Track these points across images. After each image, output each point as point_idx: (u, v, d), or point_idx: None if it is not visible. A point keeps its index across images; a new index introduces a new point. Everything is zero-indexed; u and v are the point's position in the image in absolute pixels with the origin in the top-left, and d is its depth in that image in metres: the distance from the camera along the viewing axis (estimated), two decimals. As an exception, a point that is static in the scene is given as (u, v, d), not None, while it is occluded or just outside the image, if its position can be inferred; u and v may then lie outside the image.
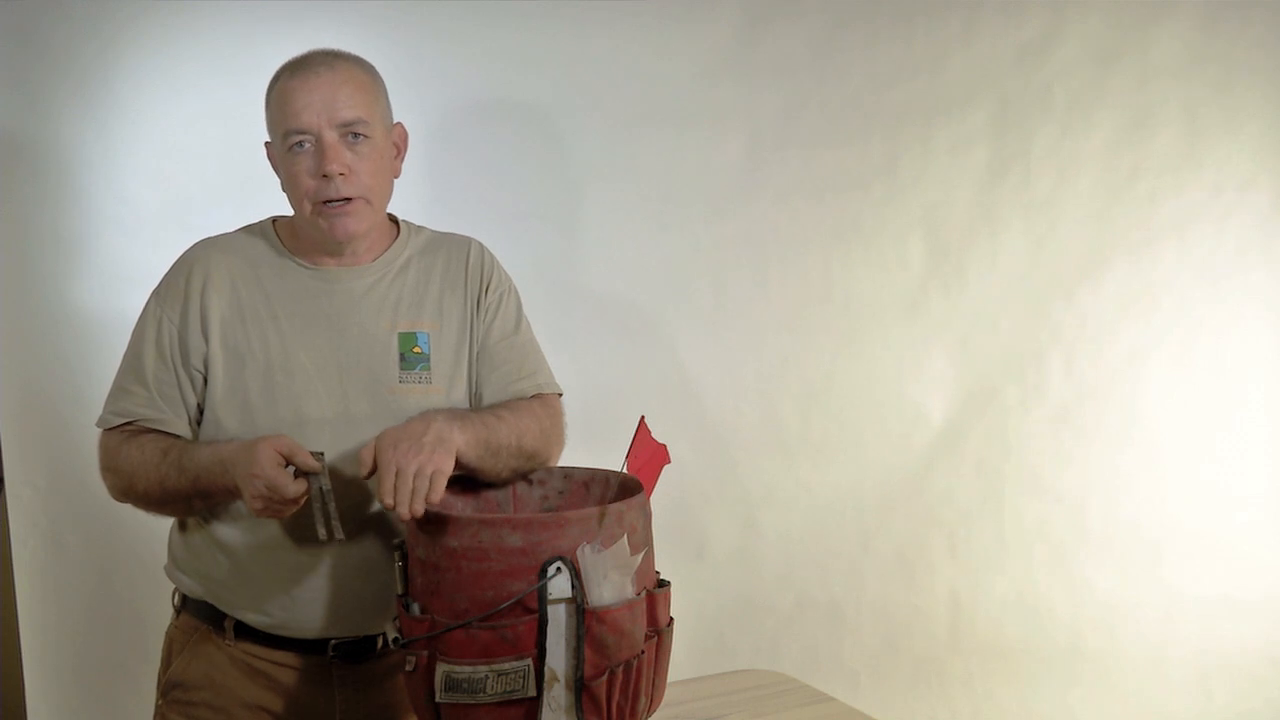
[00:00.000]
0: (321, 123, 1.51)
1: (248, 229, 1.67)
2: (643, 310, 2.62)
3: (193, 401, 1.58)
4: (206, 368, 1.57)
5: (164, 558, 1.70)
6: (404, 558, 1.46)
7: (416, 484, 1.37)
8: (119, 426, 1.58)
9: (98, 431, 1.61)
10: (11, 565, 2.24)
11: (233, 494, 1.48)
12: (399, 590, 1.46)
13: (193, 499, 1.53)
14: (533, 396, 1.66)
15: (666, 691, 1.51)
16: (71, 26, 2.18)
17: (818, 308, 2.75)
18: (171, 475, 1.51)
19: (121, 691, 2.28)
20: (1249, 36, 2.91)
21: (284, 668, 1.61)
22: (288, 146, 1.53)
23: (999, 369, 2.87)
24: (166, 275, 1.62)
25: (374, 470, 1.41)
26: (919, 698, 2.86)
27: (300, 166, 1.53)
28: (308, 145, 1.52)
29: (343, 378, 1.57)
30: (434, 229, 1.74)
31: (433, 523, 1.38)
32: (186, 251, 1.64)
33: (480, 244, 1.73)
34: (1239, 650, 2.98)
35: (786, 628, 2.78)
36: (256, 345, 1.56)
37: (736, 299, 2.69)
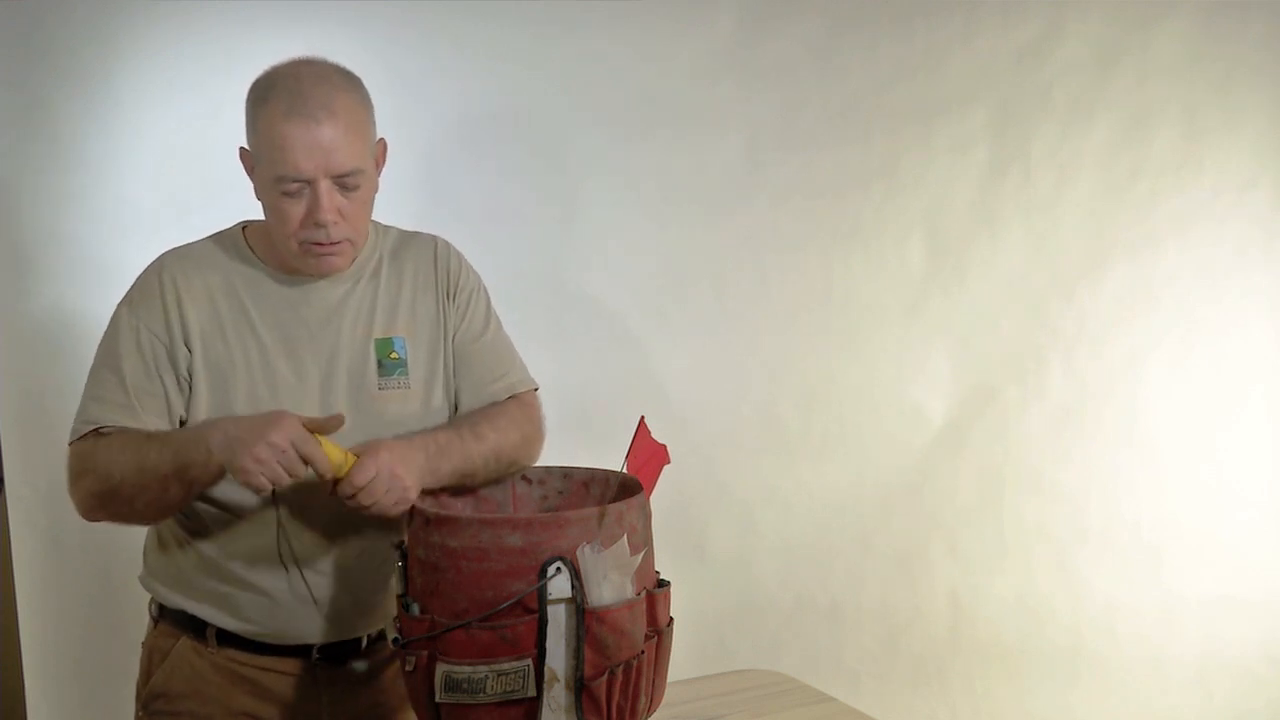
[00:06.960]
0: (318, 174, 1.46)
1: (216, 239, 1.63)
2: (642, 310, 2.62)
3: (179, 411, 1.54)
4: (191, 378, 1.54)
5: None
6: (404, 558, 1.46)
7: (373, 508, 1.43)
8: (89, 433, 1.51)
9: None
10: (11, 565, 2.24)
11: (210, 471, 1.42)
12: (399, 590, 1.46)
13: (169, 481, 1.44)
14: (508, 399, 1.66)
15: (666, 691, 1.51)
16: (72, 28, 2.18)
17: (818, 308, 2.75)
18: (153, 453, 1.44)
19: (122, 691, 2.26)
20: (1249, 36, 2.90)
21: (269, 672, 1.61)
22: (279, 188, 1.48)
23: (999, 369, 2.87)
24: (138, 285, 1.58)
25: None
26: (919, 698, 2.86)
27: (290, 208, 1.48)
28: (299, 189, 1.48)
29: (324, 387, 1.57)
30: (400, 227, 1.71)
31: (432, 523, 1.38)
32: (156, 262, 1.59)
33: (445, 242, 1.70)
34: (1239, 650, 2.98)
35: (786, 628, 2.78)
36: (238, 358, 1.54)
37: (736, 299, 2.69)
